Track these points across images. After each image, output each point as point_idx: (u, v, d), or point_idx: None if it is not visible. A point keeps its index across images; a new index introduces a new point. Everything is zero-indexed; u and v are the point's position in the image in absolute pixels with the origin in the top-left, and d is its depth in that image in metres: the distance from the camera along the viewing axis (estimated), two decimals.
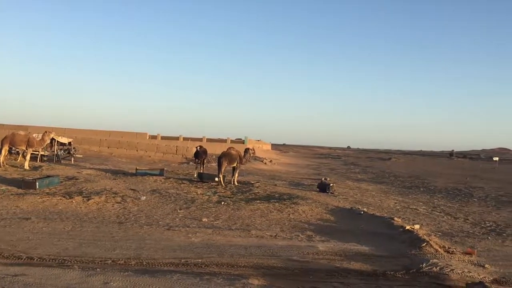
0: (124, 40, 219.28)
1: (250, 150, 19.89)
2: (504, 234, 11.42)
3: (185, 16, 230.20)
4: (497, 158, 63.52)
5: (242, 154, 19.15)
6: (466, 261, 8.31)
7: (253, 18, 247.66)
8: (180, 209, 12.51)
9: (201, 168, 21.52)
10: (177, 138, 42.26)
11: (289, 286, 6.38)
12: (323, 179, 21.54)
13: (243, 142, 44.76)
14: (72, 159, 25.89)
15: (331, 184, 18.33)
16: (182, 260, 7.52)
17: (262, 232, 10.14)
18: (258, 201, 13.91)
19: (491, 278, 7.19)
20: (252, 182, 19.01)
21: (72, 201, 12.61)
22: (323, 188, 17.84)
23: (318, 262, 7.83)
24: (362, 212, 12.83)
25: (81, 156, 28.27)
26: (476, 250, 9.10)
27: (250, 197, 14.96)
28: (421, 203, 17.10)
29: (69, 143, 27.08)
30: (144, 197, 13.88)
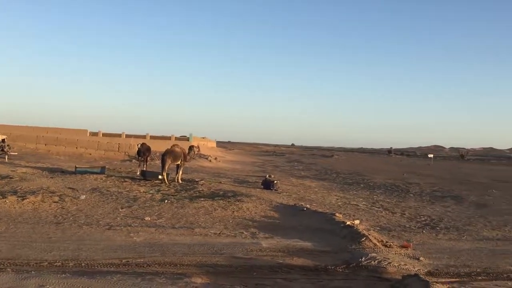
0: (57, 34, 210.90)
1: (194, 148, 19.75)
2: (438, 228, 12.00)
3: (118, 9, 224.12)
4: (432, 155, 66.68)
5: (187, 151, 18.97)
6: (403, 254, 8.67)
7: (193, 15, 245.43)
8: (122, 208, 12.21)
9: (144, 166, 21.12)
10: (119, 135, 41.22)
11: (232, 283, 6.39)
12: (267, 176, 21.74)
13: (188, 139, 44.34)
14: (6, 156, 24.60)
15: (275, 181, 18.52)
16: (123, 260, 7.35)
17: (206, 230, 10.09)
18: (202, 199, 13.83)
19: (426, 270, 7.54)
20: (197, 179, 18.87)
21: (5, 201, 11.99)
22: (268, 185, 18.00)
23: (262, 259, 7.89)
24: (305, 209, 13.06)
25: (16, 153, 26.91)
26: (412, 244, 9.50)
27: (195, 195, 14.85)
28: (361, 199, 17.63)
29: (3, 140, 25.69)
30: (84, 196, 13.42)
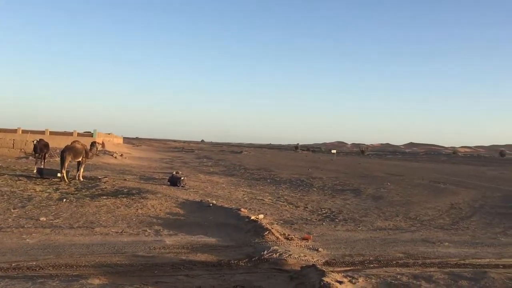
0: None
1: (97, 144, 18.96)
2: (337, 220, 12.63)
3: None
4: (335, 151, 69.90)
5: (89, 147, 18.15)
6: (303, 246, 9.00)
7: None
8: (14, 209, 11.39)
9: (42, 163, 19.87)
10: (15, 131, 38.32)
11: (132, 283, 6.21)
12: (174, 172, 21.47)
13: (91, 135, 42.40)
14: None
15: (182, 178, 18.35)
16: (13, 264, 6.85)
17: (107, 229, 9.73)
18: (104, 197, 13.32)
19: (323, 261, 7.89)
20: (100, 177, 18.14)
21: None
22: (174, 181, 17.77)
23: (164, 256, 7.77)
24: (211, 205, 13.07)
25: None
26: (312, 236, 9.90)
27: (97, 192, 14.26)
28: (267, 194, 18.03)
29: None
30: None
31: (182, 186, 17.37)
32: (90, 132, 44.88)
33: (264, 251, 8.05)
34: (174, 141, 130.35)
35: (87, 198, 13.09)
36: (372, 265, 7.73)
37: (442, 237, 10.78)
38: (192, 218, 11.49)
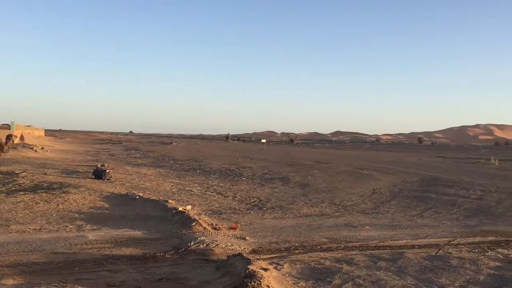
0: None
1: (13, 137, 17.81)
2: (265, 208, 12.80)
3: None
4: (264, 140, 70.75)
5: (4, 141, 17.03)
6: (231, 235, 9.03)
7: None
8: None
9: None
10: None
11: (50, 281, 5.91)
12: (99, 165, 20.72)
13: (9, 127, 39.90)
14: None
15: (107, 170, 17.74)
16: None
17: (24, 226, 9.20)
18: (22, 193, 12.59)
19: (250, 249, 7.97)
20: (17, 171, 17.12)
21: None
22: (99, 174, 17.16)
23: (86, 252, 7.49)
24: (137, 197, 12.76)
25: None
26: (239, 225, 9.96)
27: (13, 188, 13.45)
28: (196, 185, 17.91)
29: None
30: None
31: (108, 179, 16.81)
32: (7, 124, 42.24)
33: (191, 242, 7.99)
34: (101, 132, 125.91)
35: (3, 194, 12.31)
36: (297, 251, 7.92)
37: (364, 221, 11.27)
38: (118, 212, 11.16)
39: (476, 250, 7.99)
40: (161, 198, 13.09)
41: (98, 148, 49.76)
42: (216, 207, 12.77)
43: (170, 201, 12.16)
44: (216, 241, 8.22)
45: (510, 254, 7.50)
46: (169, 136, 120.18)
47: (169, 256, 7.39)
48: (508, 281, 5.49)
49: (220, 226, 9.73)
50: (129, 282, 5.97)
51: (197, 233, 8.84)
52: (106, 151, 43.71)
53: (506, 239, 9.29)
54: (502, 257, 7.01)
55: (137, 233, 9.03)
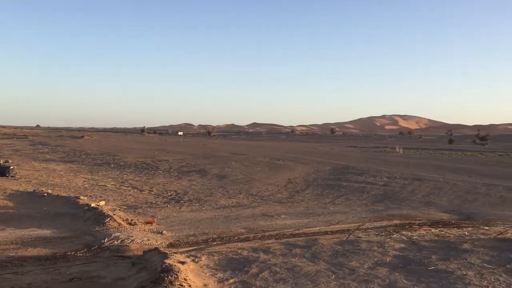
0: None
1: None
2: (182, 201, 12.67)
3: None
4: (181, 133, 69.98)
5: None
6: (147, 230, 8.83)
7: None
8: None
9: None
10: None
11: None
12: (2, 161, 19.32)
13: None
14: None
15: (11, 167, 16.60)
16: None
17: None
18: None
19: (167, 243, 7.85)
20: None
21: None
22: (2, 171, 16.02)
23: None
24: (45, 194, 12.08)
25: None
26: (156, 219, 9.77)
27: None
28: (110, 179, 17.29)
29: None
30: None
31: (12, 176, 15.75)
32: None
33: (104, 239, 7.71)
34: (3, 127, 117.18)
35: None
36: (215, 243, 7.93)
37: (280, 210, 11.54)
38: (24, 210, 10.47)
39: (383, 234, 8.49)
40: (72, 194, 12.48)
41: (1, 143, 46.29)
42: (132, 201, 12.42)
43: (82, 197, 11.63)
44: (132, 236, 8.01)
45: (413, 236, 8.06)
46: (81, 130, 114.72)
47: (81, 254, 7.06)
48: (411, 261, 5.89)
49: (136, 221, 9.49)
50: (37, 284, 5.64)
51: (112, 229, 8.54)
52: (9, 146, 40.76)
53: (410, 222, 9.99)
54: (406, 239, 7.52)
55: (46, 232, 8.53)
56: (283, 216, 10.66)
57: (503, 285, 4.76)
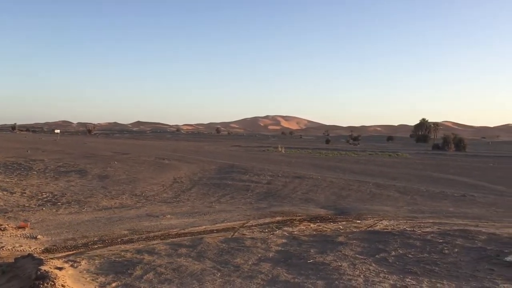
0: None
1: None
2: (59, 203, 11.91)
3: None
4: (58, 131, 65.71)
5: None
6: (19, 235, 8.16)
7: None
8: None
9: None
10: None
11: None
12: None
13: None
14: None
15: None
16: None
17: None
18: None
19: (43, 248, 7.33)
20: None
21: None
22: None
23: None
24: None
25: None
26: (29, 223, 9.07)
27: None
28: None
29: None
30: None
31: None
32: None
33: None
34: None
35: None
36: (96, 246, 7.59)
37: (166, 210, 11.39)
38: None
39: (266, 230, 8.81)
40: None
41: None
42: (1, 205, 11.37)
43: None
44: (1, 243, 7.34)
45: (294, 231, 8.48)
46: None
47: None
48: (293, 255, 6.19)
49: (6, 226, 8.71)
50: None
51: None
52: None
53: (291, 218, 10.48)
54: (287, 234, 7.88)
55: None
56: (169, 216, 10.53)
57: (373, 273, 5.21)
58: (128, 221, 9.79)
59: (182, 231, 8.89)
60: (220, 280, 5.04)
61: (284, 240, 7.07)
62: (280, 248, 6.55)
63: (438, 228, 8.33)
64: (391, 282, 4.89)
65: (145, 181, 17.06)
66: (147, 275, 5.23)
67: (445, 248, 6.31)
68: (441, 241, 6.71)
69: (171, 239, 7.84)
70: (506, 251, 6.12)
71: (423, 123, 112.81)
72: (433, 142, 79.09)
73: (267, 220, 10.24)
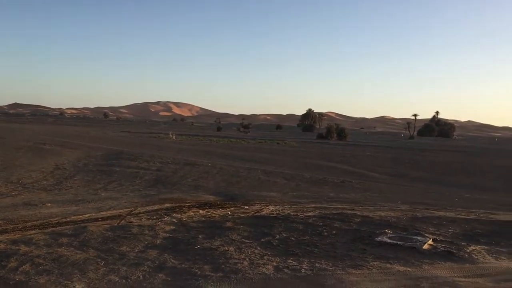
0: None
1: None
2: None
3: None
4: None
5: None
6: None
7: None
8: None
9: None
10: None
11: None
12: None
13: None
14: None
15: None
16: None
17: None
18: None
19: None
20: None
21: None
22: None
23: None
24: None
25: None
26: None
27: None
28: None
29: None
30: None
31: None
32: None
33: None
34: None
35: None
36: None
37: (45, 198, 10.73)
38: None
39: (155, 217, 8.69)
40: None
41: None
42: None
43: None
44: None
45: (183, 218, 8.47)
46: None
47: None
48: (180, 241, 6.20)
49: None
50: None
51: None
52: None
53: (180, 204, 10.46)
54: (176, 221, 7.85)
55: None
56: (49, 204, 9.93)
57: (257, 256, 5.42)
58: (2, 211, 9.08)
59: (64, 219, 8.44)
60: (104, 268, 4.89)
61: (172, 227, 7.05)
62: (168, 235, 6.52)
63: (319, 212, 8.87)
64: (274, 264, 5.13)
65: (22, 168, 15.85)
66: (23, 267, 4.90)
67: (324, 230, 6.76)
68: (321, 224, 7.17)
69: (51, 229, 7.40)
70: (377, 232, 6.74)
71: (309, 113, 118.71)
72: (318, 131, 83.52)
73: (156, 207, 10.11)
